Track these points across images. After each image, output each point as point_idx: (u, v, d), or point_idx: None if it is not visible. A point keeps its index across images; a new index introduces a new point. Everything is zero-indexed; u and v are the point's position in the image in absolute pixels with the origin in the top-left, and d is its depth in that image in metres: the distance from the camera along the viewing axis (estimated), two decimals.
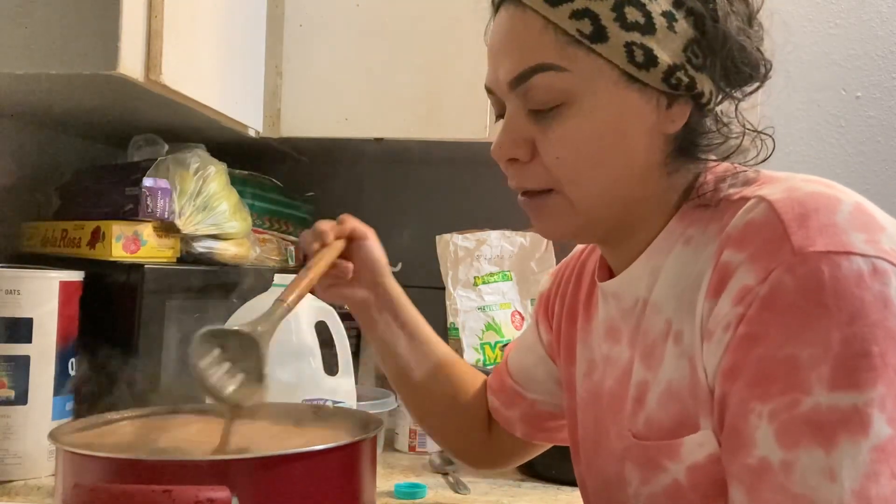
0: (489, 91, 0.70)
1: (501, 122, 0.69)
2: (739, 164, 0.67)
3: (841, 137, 1.80)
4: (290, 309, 0.76)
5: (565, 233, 0.69)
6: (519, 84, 0.65)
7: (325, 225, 0.86)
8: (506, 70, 0.66)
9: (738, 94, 0.66)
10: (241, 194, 1.48)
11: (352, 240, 0.88)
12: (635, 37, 0.62)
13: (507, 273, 1.57)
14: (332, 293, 0.89)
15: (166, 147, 1.41)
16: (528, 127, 0.66)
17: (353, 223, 0.88)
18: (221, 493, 0.59)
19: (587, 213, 0.67)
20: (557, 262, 1.58)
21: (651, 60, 0.62)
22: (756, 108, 0.68)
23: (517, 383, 0.91)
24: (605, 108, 0.63)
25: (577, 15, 0.62)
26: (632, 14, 0.61)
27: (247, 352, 0.73)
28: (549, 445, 0.96)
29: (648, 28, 0.62)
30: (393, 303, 0.90)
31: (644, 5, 0.62)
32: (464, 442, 0.95)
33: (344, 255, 0.87)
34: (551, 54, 0.63)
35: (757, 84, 0.66)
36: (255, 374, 0.73)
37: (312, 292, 0.85)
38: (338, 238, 0.86)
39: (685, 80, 0.63)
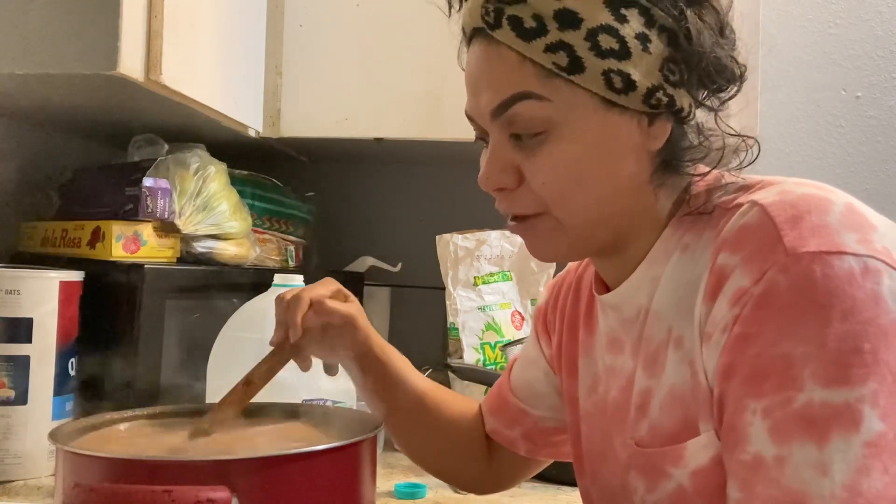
0: (470, 118, 0.70)
1: (484, 149, 0.69)
2: (730, 170, 0.67)
3: (841, 137, 1.80)
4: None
5: (557, 253, 0.70)
6: (501, 112, 0.65)
7: (297, 315, 0.79)
8: (487, 99, 0.66)
9: (715, 103, 0.67)
10: (241, 194, 1.48)
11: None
12: (612, 63, 0.62)
13: (507, 273, 1.57)
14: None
15: (166, 147, 1.41)
16: (512, 154, 0.66)
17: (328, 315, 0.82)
18: (221, 493, 0.59)
19: (576, 232, 0.67)
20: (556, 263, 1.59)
21: (629, 85, 0.62)
22: (754, 103, 0.67)
23: (521, 400, 0.89)
24: (588, 133, 0.64)
25: (551, 48, 0.62)
26: (605, 41, 0.61)
27: None
28: (550, 461, 0.94)
29: (623, 53, 0.62)
30: (375, 363, 0.86)
31: (617, 30, 0.62)
32: (466, 474, 0.94)
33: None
34: (532, 84, 0.63)
35: (734, 90, 0.67)
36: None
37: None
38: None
39: (664, 99, 0.63)
